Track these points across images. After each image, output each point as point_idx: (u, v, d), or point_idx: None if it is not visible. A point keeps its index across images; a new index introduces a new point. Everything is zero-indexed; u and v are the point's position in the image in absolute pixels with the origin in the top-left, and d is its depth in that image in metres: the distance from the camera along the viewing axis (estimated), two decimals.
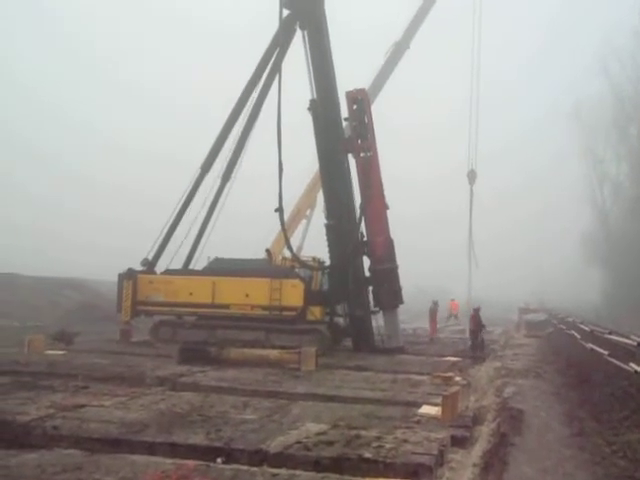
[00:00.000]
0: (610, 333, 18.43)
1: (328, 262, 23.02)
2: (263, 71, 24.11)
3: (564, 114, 65.00)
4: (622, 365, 13.73)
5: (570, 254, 69.35)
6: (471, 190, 42.47)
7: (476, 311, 23.28)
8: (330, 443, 8.39)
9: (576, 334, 23.58)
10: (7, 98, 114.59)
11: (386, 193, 22.77)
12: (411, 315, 37.64)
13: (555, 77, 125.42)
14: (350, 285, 21.92)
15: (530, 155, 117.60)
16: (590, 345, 18.79)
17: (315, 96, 22.63)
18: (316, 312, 22.15)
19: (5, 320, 32.19)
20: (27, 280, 42.06)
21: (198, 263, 24.59)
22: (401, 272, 22.70)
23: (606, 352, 16.03)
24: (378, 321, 23.21)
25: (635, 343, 14.25)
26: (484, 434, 10.18)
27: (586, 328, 22.50)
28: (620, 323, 32.10)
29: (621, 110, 54.15)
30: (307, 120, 22.82)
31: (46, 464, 7.34)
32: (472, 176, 42.16)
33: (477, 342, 22.81)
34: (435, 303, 30.29)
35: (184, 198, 23.97)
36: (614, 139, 56.74)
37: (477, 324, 22.92)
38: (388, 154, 25.92)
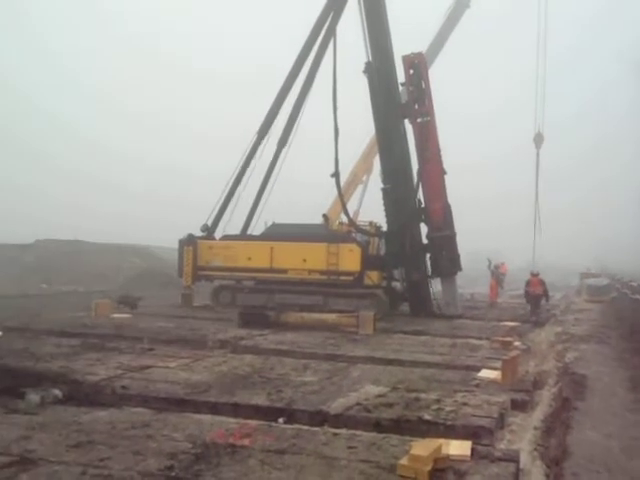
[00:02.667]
0: None
1: (385, 227, 22.94)
2: (318, 35, 23.84)
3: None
4: None
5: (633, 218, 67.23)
6: (537, 154, 41.22)
7: (536, 276, 22.75)
8: (390, 405, 8.46)
9: None
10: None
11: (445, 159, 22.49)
12: (469, 280, 37.32)
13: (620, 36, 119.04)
14: (407, 250, 21.82)
15: (598, 121, 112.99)
16: None
17: (371, 59, 22.34)
18: (373, 277, 22.17)
19: (72, 285, 33.48)
20: (91, 247, 43.47)
21: (256, 228, 24.91)
22: (458, 238, 22.46)
23: None
24: (436, 286, 23.13)
25: None
26: (545, 398, 10.10)
27: None
28: None
29: None
30: (363, 83, 22.60)
31: (116, 421, 7.65)
32: (539, 139, 40.88)
33: (537, 309, 22.35)
34: (496, 267, 29.87)
35: (241, 163, 24.15)
36: None
37: (543, 290, 22.35)
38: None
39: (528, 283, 22.59)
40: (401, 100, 22.86)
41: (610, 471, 6.26)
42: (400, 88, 22.97)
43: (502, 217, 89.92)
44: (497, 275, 29.40)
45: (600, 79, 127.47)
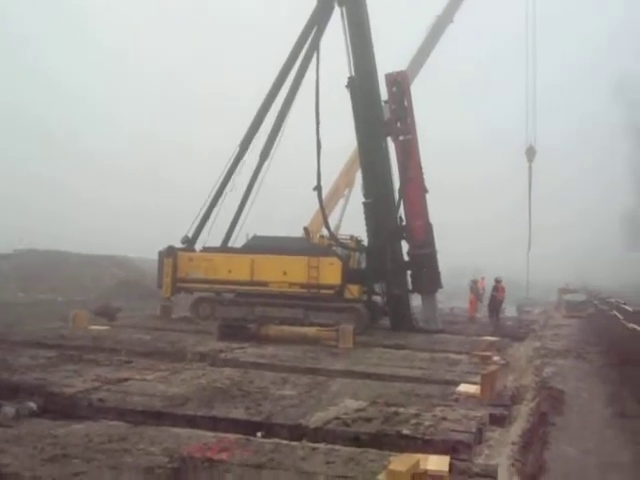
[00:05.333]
0: None
1: (366, 241, 23.01)
2: (301, 49, 23.96)
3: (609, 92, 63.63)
4: None
5: (614, 237, 68.38)
6: (530, 168, 41.47)
7: (499, 283, 24.00)
8: (369, 419, 8.46)
9: (618, 314, 23.19)
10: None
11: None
12: (447, 295, 37.50)
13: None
14: (388, 265, 21.89)
15: (587, 144, 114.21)
16: (633, 325, 18.48)
17: (353, 74, 22.48)
18: (354, 290, 22.18)
19: (51, 294, 33.15)
20: (71, 257, 43.12)
21: (237, 241, 24.85)
22: (441, 255, 22.76)
23: None
24: (416, 301, 23.24)
25: None
26: (523, 413, 10.15)
27: (629, 308, 22.12)
28: None
29: None
30: (346, 98, 22.71)
31: (93, 434, 7.55)
32: (531, 153, 41.20)
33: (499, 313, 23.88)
34: (474, 282, 30.06)
35: (223, 176, 24.12)
36: None
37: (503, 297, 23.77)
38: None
39: (495, 289, 24.02)
40: (383, 117, 23.00)
41: None
42: (383, 105, 23.13)
43: (487, 235, 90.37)
44: (476, 290, 29.58)
45: (590, 103, 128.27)
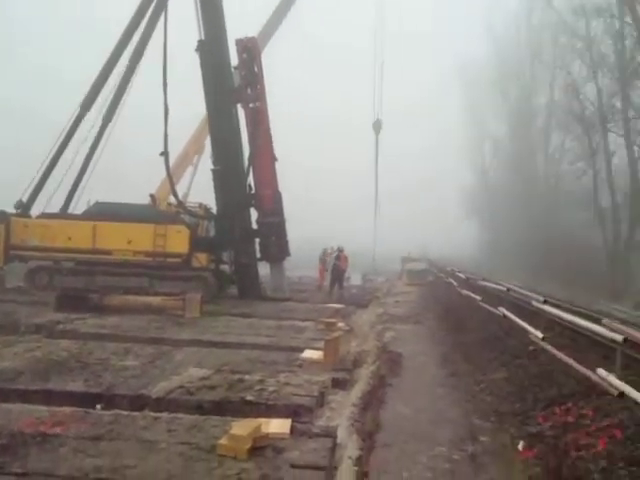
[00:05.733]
0: (484, 280, 19.47)
1: (215, 209, 22.74)
2: (147, 7, 22.91)
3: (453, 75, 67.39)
4: (493, 310, 14.60)
5: (454, 208, 72.85)
6: (377, 140, 42.98)
7: (342, 252, 24.76)
8: (213, 387, 8.42)
9: (454, 282, 24.76)
10: None
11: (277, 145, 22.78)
12: (300, 264, 38.14)
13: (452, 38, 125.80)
14: (237, 234, 21.80)
15: (429, 116, 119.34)
16: (465, 292, 19.81)
17: (203, 37, 21.92)
18: (202, 259, 21.91)
19: None
20: None
21: (78, 207, 23.56)
22: (292, 222, 23.03)
23: (479, 298, 16.97)
24: (265, 270, 23.40)
25: (505, 289, 15.13)
26: (364, 376, 10.55)
27: (462, 276, 23.66)
28: (495, 271, 33.98)
29: (502, 71, 56.19)
30: (197, 63, 22.11)
31: None
32: (377, 125, 42.68)
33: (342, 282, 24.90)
34: (325, 252, 30.78)
35: (62, 138, 22.69)
36: (495, 99, 59.03)
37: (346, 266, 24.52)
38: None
39: (338, 258, 24.48)
40: (233, 83, 22.67)
41: (417, 440, 6.69)
42: (233, 71, 22.78)
43: (342, 206, 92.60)
44: (324, 260, 30.32)
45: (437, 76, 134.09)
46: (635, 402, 6.20)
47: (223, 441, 5.88)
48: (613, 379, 6.87)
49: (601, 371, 7.21)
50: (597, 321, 8.44)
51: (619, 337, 7.13)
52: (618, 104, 33.42)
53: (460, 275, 24.37)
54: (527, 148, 52.39)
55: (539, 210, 43.61)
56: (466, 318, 15.58)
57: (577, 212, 39.27)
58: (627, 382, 6.77)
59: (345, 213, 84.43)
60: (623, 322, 8.30)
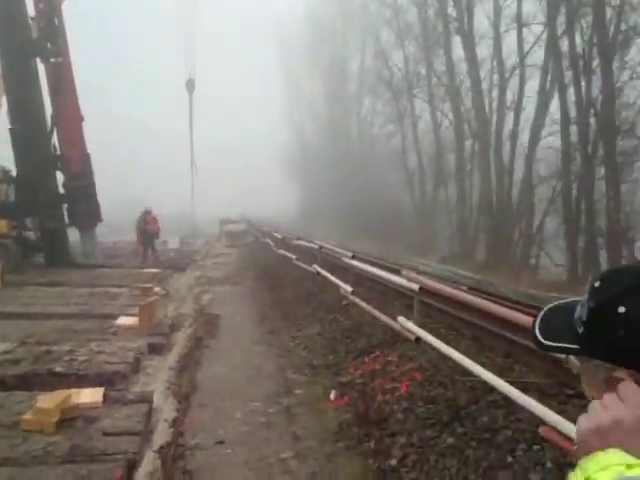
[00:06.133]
0: (298, 239, 19.97)
1: (15, 171, 21.00)
2: None
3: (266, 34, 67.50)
4: (307, 267, 15.07)
5: (274, 171, 73.78)
6: (190, 100, 42.21)
7: (150, 214, 24.05)
8: (17, 361, 7.90)
9: (271, 242, 25.19)
10: None
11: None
12: (115, 228, 36.63)
13: None
14: (41, 198, 20.35)
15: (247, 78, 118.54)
16: (282, 251, 20.25)
17: None
18: (2, 226, 20.19)
19: None
20: None
21: None
22: (107, 186, 21.94)
23: (294, 257, 17.42)
24: (74, 236, 22.21)
25: (317, 247, 15.63)
26: (181, 340, 10.46)
27: (279, 236, 24.12)
28: (314, 231, 34.98)
29: (317, 34, 57.26)
30: None
31: None
32: (191, 85, 41.86)
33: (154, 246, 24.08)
34: (143, 215, 29.85)
35: None
36: (310, 61, 60.13)
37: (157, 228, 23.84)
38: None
39: (144, 221, 23.49)
40: (31, 35, 20.84)
41: (233, 398, 6.80)
42: (31, 22, 20.94)
43: (162, 166, 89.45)
44: (141, 224, 29.37)
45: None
46: (431, 346, 6.73)
47: (27, 416, 5.56)
48: (411, 325, 7.41)
49: (401, 319, 7.73)
50: (398, 272, 9.00)
51: (415, 286, 7.68)
52: (423, 71, 35.53)
53: (277, 235, 24.83)
54: (341, 111, 54.14)
55: (354, 172, 45.43)
56: (283, 277, 15.95)
57: (389, 173, 41.43)
58: (423, 327, 7.34)
59: (169, 175, 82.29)
60: (419, 273, 8.92)
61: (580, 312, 1.11)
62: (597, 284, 1.10)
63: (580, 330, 1.10)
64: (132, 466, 5.04)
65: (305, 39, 58.62)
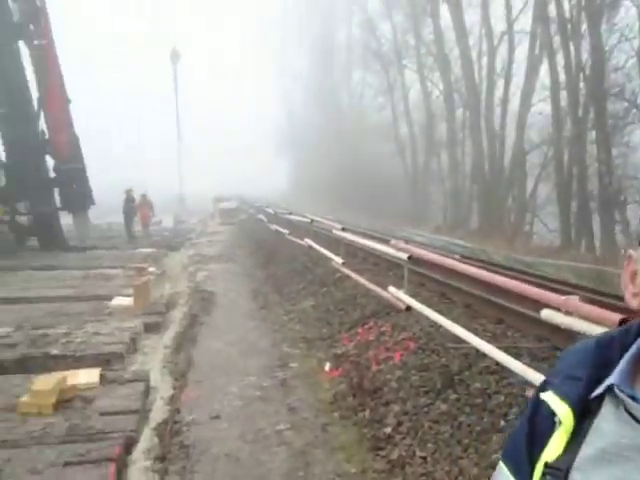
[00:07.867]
0: (290, 214, 19.93)
1: (3, 156, 20.84)
2: None
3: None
4: (300, 242, 15.08)
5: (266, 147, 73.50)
6: (175, 70, 42.14)
7: (145, 197, 24.15)
8: (13, 345, 7.93)
9: (264, 218, 25.16)
10: None
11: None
12: (106, 210, 36.50)
13: None
14: (31, 182, 20.19)
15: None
16: (275, 227, 20.23)
17: None
18: None
19: None
20: None
21: None
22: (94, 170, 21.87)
23: (287, 231, 17.43)
24: (67, 219, 22.13)
25: (309, 220, 15.63)
26: (176, 318, 10.50)
27: (271, 211, 24.09)
28: (307, 206, 34.92)
29: (305, 4, 56.72)
30: None
31: None
32: (175, 56, 41.79)
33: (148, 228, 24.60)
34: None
35: None
36: (296, 32, 59.61)
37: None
38: None
39: (140, 205, 24.28)
40: (12, 16, 20.50)
41: (228, 373, 6.85)
42: (11, 3, 20.58)
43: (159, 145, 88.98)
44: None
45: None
46: (422, 314, 6.78)
47: (24, 399, 5.60)
48: (402, 295, 7.45)
49: (392, 289, 7.77)
50: (387, 242, 9.02)
51: (404, 255, 7.70)
52: (412, 41, 35.21)
53: (269, 211, 24.79)
54: (330, 83, 53.76)
55: (345, 144, 45.25)
56: (276, 252, 15.97)
57: (382, 145, 41.25)
58: (414, 296, 7.38)
59: (158, 154, 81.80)
60: (408, 242, 8.95)
61: None
62: None
63: None
64: (130, 443, 5.10)
65: (292, 8, 58.11)
